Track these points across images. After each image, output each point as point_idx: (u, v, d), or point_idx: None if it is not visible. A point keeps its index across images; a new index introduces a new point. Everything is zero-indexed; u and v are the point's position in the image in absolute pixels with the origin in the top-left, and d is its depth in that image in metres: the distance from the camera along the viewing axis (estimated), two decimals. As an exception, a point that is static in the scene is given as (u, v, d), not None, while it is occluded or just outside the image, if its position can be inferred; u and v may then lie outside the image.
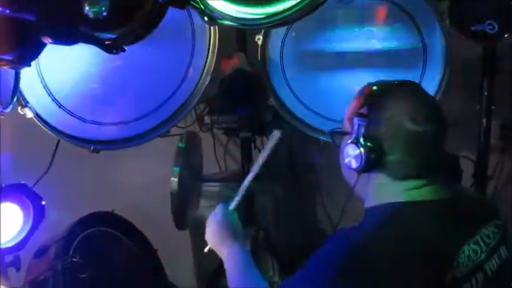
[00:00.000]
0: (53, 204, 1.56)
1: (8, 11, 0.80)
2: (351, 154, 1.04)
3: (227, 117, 2.05)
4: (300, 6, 1.10)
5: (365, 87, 1.12)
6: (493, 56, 1.84)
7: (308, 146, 2.41)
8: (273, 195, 2.32)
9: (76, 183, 2.02)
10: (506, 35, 1.64)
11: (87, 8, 0.72)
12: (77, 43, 0.82)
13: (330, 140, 1.89)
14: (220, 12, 1.10)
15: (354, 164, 1.04)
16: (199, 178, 1.94)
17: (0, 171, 1.42)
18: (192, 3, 1.09)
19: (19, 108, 1.44)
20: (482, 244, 1.06)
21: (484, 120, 1.89)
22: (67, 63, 1.52)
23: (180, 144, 1.72)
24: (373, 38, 1.84)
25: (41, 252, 1.62)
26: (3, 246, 1.44)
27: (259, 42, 1.84)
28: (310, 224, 2.54)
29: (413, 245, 0.99)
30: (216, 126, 2.10)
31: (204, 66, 1.76)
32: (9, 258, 1.48)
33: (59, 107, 1.56)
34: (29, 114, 1.47)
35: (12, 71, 1.18)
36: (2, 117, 1.18)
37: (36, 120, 1.50)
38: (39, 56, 0.95)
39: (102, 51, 0.91)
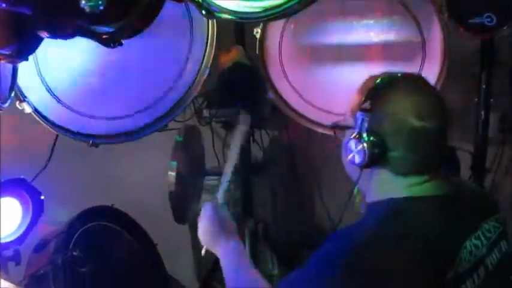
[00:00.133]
0: (52, 199, 1.56)
1: (4, 5, 0.80)
2: (354, 149, 1.03)
3: (226, 111, 2.05)
4: (298, -1, 1.09)
5: (368, 80, 1.10)
6: (491, 48, 1.84)
7: (306, 139, 2.41)
8: (271, 188, 2.33)
9: (75, 177, 2.02)
10: (504, 28, 1.64)
11: (83, 2, 0.72)
12: (73, 37, 0.82)
13: (328, 132, 1.90)
14: (218, 5, 1.09)
15: (357, 160, 1.03)
16: (201, 172, 1.93)
17: (-1, 166, 1.42)
18: (190, -4, 1.08)
19: (17, 103, 1.44)
20: (483, 239, 1.05)
21: (482, 113, 1.89)
22: (65, 58, 1.51)
23: (178, 138, 1.72)
24: (372, 31, 1.84)
25: (40, 247, 1.63)
26: (3, 240, 1.45)
27: (258, 36, 1.84)
28: (309, 216, 2.55)
29: (415, 243, 0.97)
30: (215, 119, 2.10)
31: (203, 60, 1.76)
32: (9, 252, 1.49)
33: (57, 101, 1.55)
34: (27, 109, 1.46)
35: (10, 66, 1.18)
36: (0, 112, 1.18)
37: (34, 115, 1.49)
38: (37, 50, 0.95)
39: (100, 45, 0.91)
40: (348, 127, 1.09)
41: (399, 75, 1.10)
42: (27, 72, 1.44)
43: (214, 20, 1.72)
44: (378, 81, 1.07)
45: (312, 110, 1.93)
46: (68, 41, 0.86)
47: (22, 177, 1.49)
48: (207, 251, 1.31)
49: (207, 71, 1.76)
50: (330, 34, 1.86)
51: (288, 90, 1.93)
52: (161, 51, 1.67)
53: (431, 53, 1.79)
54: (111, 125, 1.67)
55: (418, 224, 1.00)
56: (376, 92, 1.04)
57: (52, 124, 1.55)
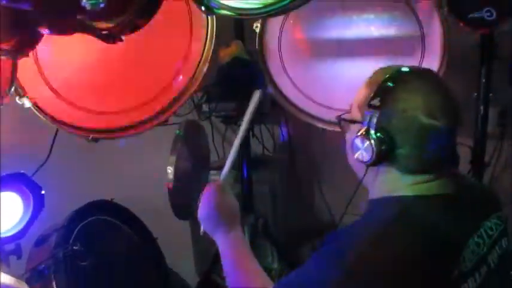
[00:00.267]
0: (53, 194, 1.56)
1: (4, 1, 0.80)
2: (361, 146, 1.00)
3: (225, 106, 2.05)
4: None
5: (377, 73, 1.07)
6: (491, 43, 1.83)
7: (306, 134, 2.41)
8: (271, 183, 2.33)
9: (75, 172, 2.02)
10: (504, 22, 1.63)
11: (84, 0, 0.72)
12: (74, 33, 0.82)
13: (328, 127, 1.90)
14: (217, 1, 1.09)
15: (365, 157, 1.00)
16: (204, 167, 1.91)
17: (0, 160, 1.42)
18: (189, -9, 1.08)
19: (17, 98, 1.44)
20: (485, 237, 1.04)
21: (482, 108, 1.89)
22: (65, 52, 1.52)
23: (178, 132, 1.71)
24: (372, 25, 1.83)
25: (41, 241, 1.64)
26: (4, 235, 1.45)
27: (257, 30, 1.84)
28: (308, 211, 2.56)
29: (420, 243, 0.96)
30: (214, 114, 2.10)
31: (202, 54, 1.76)
32: (10, 246, 1.50)
33: (57, 96, 1.56)
34: (27, 104, 1.47)
35: (10, 61, 1.18)
36: (0, 107, 1.18)
37: (34, 109, 1.50)
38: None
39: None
40: (353, 121, 1.07)
41: (409, 69, 1.06)
42: (26, 67, 1.44)
43: (214, 16, 1.72)
44: (388, 76, 1.03)
45: (312, 105, 1.93)
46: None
47: (22, 172, 1.49)
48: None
49: (207, 66, 1.76)
50: (330, 29, 1.86)
51: (287, 85, 1.93)
52: (161, 47, 1.66)
53: (431, 47, 1.78)
54: (111, 120, 1.68)
55: (423, 224, 0.98)
56: (385, 88, 1.01)
57: (52, 119, 1.55)
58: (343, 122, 1.10)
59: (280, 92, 1.93)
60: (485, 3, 1.62)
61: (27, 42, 0.89)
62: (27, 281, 1.47)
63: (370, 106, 1.00)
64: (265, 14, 0.95)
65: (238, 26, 2.00)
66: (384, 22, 1.82)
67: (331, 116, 1.84)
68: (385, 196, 1.05)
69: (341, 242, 0.99)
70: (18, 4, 0.78)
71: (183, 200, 1.74)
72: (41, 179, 1.55)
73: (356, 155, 1.02)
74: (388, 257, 0.94)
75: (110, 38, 0.86)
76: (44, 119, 1.53)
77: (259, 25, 1.83)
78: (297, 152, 2.41)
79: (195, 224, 2.22)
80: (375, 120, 0.99)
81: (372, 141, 0.98)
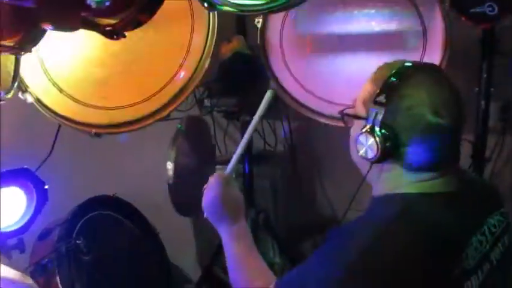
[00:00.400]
0: (56, 188, 1.57)
1: (7, -2, 0.80)
2: (366, 144, 0.99)
3: (227, 101, 2.05)
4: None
5: (382, 68, 1.05)
6: (492, 38, 1.83)
7: (307, 128, 2.42)
8: (272, 177, 2.34)
9: (78, 167, 2.03)
10: (506, 17, 1.63)
11: (89, -2, 0.72)
12: (77, 30, 0.83)
13: (330, 122, 1.90)
14: (220, -3, 1.09)
15: (369, 154, 0.99)
16: (209, 163, 1.90)
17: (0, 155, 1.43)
18: (191, -13, 1.08)
19: (20, 93, 1.45)
20: (488, 234, 1.03)
21: (483, 102, 1.89)
22: (67, 47, 1.52)
23: (179, 126, 1.71)
24: (373, 20, 1.83)
25: (44, 235, 1.65)
26: (7, 229, 1.47)
27: (259, 25, 1.84)
28: (309, 205, 2.56)
29: (424, 241, 0.95)
30: (216, 109, 2.11)
31: (204, 50, 1.76)
32: (13, 241, 1.51)
33: (60, 91, 1.56)
34: (30, 99, 1.47)
35: (12, 56, 1.19)
36: (3, 102, 1.19)
37: (37, 105, 1.50)
38: (39, 41, 0.95)
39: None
40: (357, 117, 1.05)
41: (415, 65, 1.05)
42: (29, 63, 1.45)
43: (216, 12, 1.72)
44: (393, 72, 1.01)
45: (313, 100, 1.93)
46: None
47: (26, 167, 1.50)
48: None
49: (208, 61, 1.76)
50: (331, 23, 1.86)
51: (289, 80, 1.93)
52: (163, 42, 1.67)
53: (432, 42, 1.78)
54: (113, 115, 1.68)
55: (426, 222, 0.98)
56: (391, 85, 0.99)
57: (54, 114, 1.56)
58: (346, 117, 1.10)
59: (282, 87, 1.93)
60: (487, -3, 1.62)
61: (30, 39, 0.89)
62: (31, 275, 1.48)
63: (375, 103, 0.99)
64: (267, 10, 0.94)
65: (240, 21, 2.00)
66: (385, 17, 1.82)
67: (333, 110, 1.84)
68: (388, 193, 1.04)
69: (343, 239, 0.99)
70: (21, 1, 0.78)
71: (184, 196, 1.73)
72: (44, 174, 1.56)
73: (360, 152, 1.01)
74: (390, 254, 0.93)
75: (113, 34, 0.86)
76: (47, 114, 1.53)
77: (260, 20, 1.83)
78: (298, 146, 2.42)
79: (197, 219, 2.24)
80: (380, 117, 0.98)
81: (377, 138, 0.97)
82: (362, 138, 1.00)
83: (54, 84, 1.55)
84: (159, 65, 1.71)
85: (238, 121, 2.09)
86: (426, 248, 0.95)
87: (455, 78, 1.06)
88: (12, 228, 1.49)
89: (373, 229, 0.97)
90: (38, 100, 1.50)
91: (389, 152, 0.98)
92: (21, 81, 1.44)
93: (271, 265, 1.21)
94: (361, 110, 1.05)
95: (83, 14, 0.78)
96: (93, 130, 1.62)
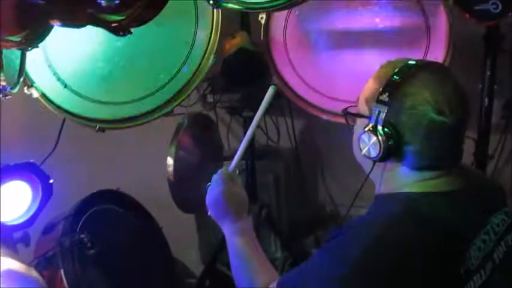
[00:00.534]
0: (60, 183, 1.58)
1: (15, -6, 0.81)
2: (369, 142, 0.99)
3: (230, 96, 2.05)
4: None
5: (385, 66, 1.04)
6: (496, 35, 1.83)
7: (310, 124, 2.42)
8: (274, 172, 2.34)
9: (82, 162, 2.04)
10: (509, 14, 1.63)
11: (100, -3, 0.72)
12: (84, 26, 0.83)
13: (332, 119, 1.90)
14: (225, -5, 1.08)
15: (372, 153, 0.99)
16: (214, 159, 1.89)
17: (0, 150, 1.44)
18: (196, -15, 1.08)
19: (25, 88, 1.46)
20: (491, 233, 1.03)
21: (486, 100, 1.89)
22: (72, 43, 1.52)
23: (181, 122, 1.72)
24: (377, 17, 1.83)
25: (49, 229, 1.66)
26: (12, 223, 1.48)
27: (263, 21, 1.84)
28: (311, 201, 2.57)
29: (427, 240, 0.95)
30: (219, 105, 2.11)
31: (208, 45, 1.76)
32: (18, 234, 1.52)
33: (64, 86, 1.57)
34: (35, 94, 1.48)
35: (18, 52, 1.19)
36: (9, 97, 1.20)
37: (42, 100, 1.51)
38: (45, 36, 0.95)
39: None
40: (360, 115, 1.05)
41: (418, 63, 1.03)
42: (35, 58, 1.45)
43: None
44: (397, 70, 1.00)
45: (317, 96, 1.93)
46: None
47: (31, 161, 1.51)
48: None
49: (212, 57, 1.77)
50: (335, 20, 1.86)
51: (292, 76, 1.94)
52: (167, 37, 1.67)
53: (436, 39, 1.78)
54: (118, 110, 1.69)
55: (430, 222, 0.97)
56: (394, 83, 0.98)
57: (59, 109, 1.56)
58: (349, 115, 1.09)
59: (285, 83, 1.93)
60: (491, -5, 1.61)
61: (38, 35, 0.90)
62: (35, 268, 1.49)
63: (378, 101, 0.98)
64: (272, 8, 0.95)
65: (244, 17, 2.00)
66: (388, 13, 1.82)
67: (336, 107, 1.85)
68: (391, 192, 1.04)
69: (346, 237, 0.98)
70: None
71: (186, 192, 1.72)
72: (48, 169, 1.57)
73: (363, 151, 1.01)
74: (393, 253, 0.93)
75: (120, 30, 0.86)
76: (51, 109, 1.54)
77: (264, 16, 1.83)
78: (300, 142, 2.43)
79: (200, 214, 2.25)
80: (383, 115, 0.97)
81: (380, 137, 0.97)
82: (365, 136, 1.00)
83: (59, 79, 1.56)
84: (163, 60, 1.72)
85: (241, 117, 2.09)
86: (429, 248, 0.95)
87: (459, 75, 1.06)
88: (18, 222, 1.49)
89: (377, 228, 0.96)
90: (43, 95, 1.51)
91: (392, 150, 0.98)
92: (27, 76, 1.45)
93: (273, 260, 1.21)
94: (364, 109, 1.05)
95: (90, 10, 0.79)
96: (98, 125, 1.63)
